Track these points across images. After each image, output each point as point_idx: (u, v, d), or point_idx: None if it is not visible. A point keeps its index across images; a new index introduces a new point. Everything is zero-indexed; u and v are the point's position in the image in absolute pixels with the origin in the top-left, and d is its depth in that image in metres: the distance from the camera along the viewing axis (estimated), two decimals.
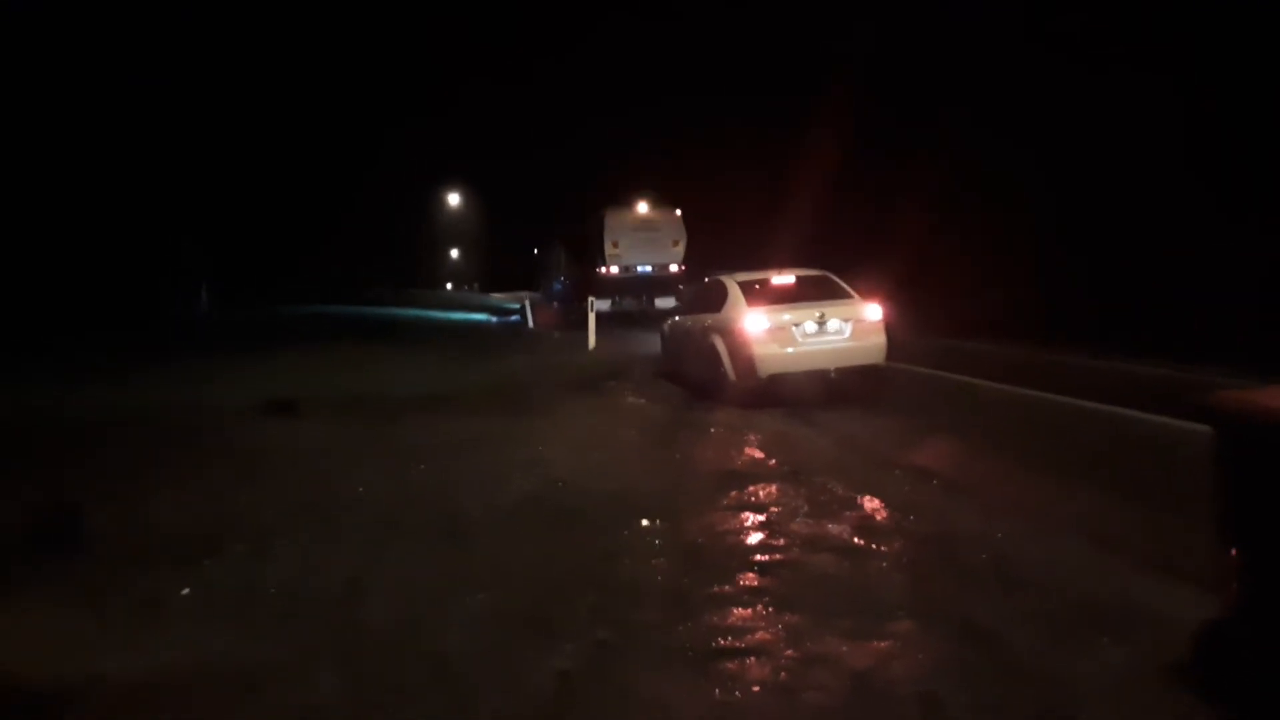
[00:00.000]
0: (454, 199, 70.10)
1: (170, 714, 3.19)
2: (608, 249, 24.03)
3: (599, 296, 17.78)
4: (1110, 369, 10.89)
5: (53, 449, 7.70)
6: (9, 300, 20.14)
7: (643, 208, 24.61)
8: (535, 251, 45.83)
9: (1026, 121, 18.17)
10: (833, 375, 9.56)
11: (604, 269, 23.97)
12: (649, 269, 24.20)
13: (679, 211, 24.98)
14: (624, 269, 24.09)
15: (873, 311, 9.53)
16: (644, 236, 24.28)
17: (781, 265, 10.99)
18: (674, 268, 24.33)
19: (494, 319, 31.71)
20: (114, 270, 25.82)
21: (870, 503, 5.55)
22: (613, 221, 24.28)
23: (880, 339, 9.51)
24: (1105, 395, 8.70)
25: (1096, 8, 16.78)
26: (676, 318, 12.19)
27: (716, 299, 10.36)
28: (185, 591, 4.35)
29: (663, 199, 25.02)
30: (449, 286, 73.89)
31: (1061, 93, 17.47)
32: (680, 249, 24.59)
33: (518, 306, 33.82)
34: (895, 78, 22.93)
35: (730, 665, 3.43)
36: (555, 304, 30.32)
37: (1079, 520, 5.15)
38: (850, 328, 9.38)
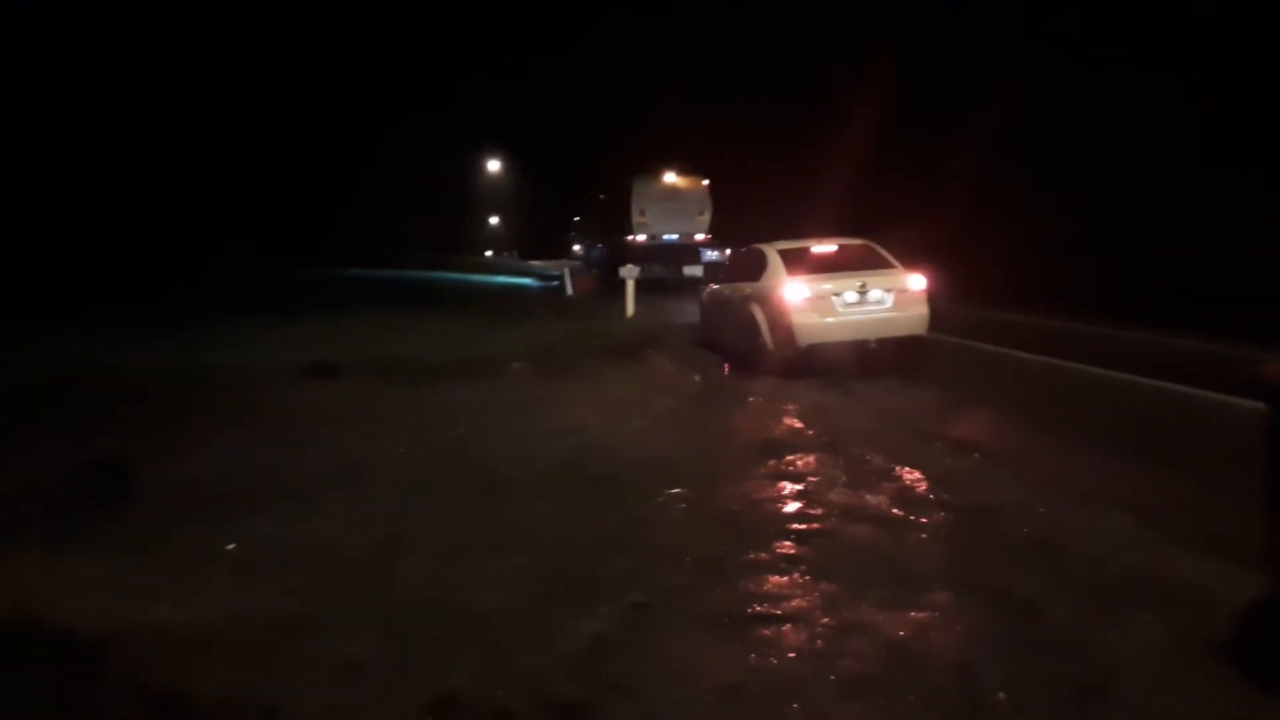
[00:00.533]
0: (494, 166, 70.03)
1: (215, 664, 3.28)
2: (635, 217, 24.20)
3: (630, 264, 17.85)
4: (1151, 342, 10.64)
5: (100, 408, 7.86)
6: (64, 271, 20.99)
7: (669, 177, 24.71)
8: (575, 220, 45.76)
9: (1047, 112, 17.93)
10: (873, 346, 9.42)
11: (632, 237, 24.08)
12: (675, 237, 24.27)
13: (706, 182, 24.93)
14: (651, 237, 24.18)
15: (916, 281, 9.35)
16: (670, 206, 24.39)
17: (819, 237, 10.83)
18: (699, 237, 24.39)
19: (535, 283, 31.95)
20: (164, 240, 27.47)
21: (909, 474, 5.50)
22: (640, 191, 24.41)
23: (923, 309, 9.35)
24: (1149, 369, 8.51)
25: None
26: (715, 286, 12.05)
27: (756, 268, 10.22)
28: (231, 547, 4.46)
29: (689, 169, 25.01)
30: (489, 253, 74.09)
31: (1067, 86, 17.27)
32: (706, 219, 24.63)
33: (558, 274, 34.01)
34: (905, 72, 22.69)
35: (765, 631, 3.43)
36: (594, 271, 30.42)
37: (1122, 494, 5.05)
38: (892, 298, 9.22)
